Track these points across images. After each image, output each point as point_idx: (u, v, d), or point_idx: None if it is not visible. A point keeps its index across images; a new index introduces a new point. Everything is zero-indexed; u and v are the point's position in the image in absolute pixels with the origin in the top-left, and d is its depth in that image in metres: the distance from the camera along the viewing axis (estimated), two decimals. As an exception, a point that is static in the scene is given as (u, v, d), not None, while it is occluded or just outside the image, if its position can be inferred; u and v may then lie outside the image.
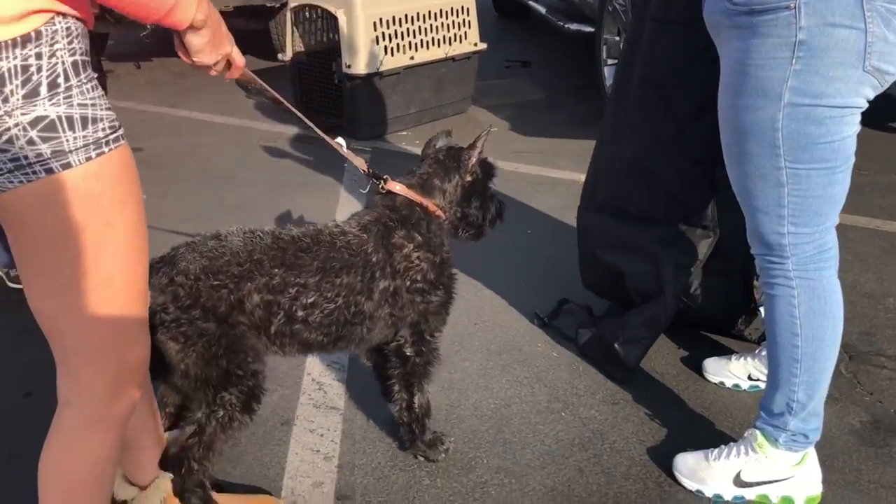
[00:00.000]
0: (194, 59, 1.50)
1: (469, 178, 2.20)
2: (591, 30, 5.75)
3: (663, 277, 2.62)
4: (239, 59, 1.60)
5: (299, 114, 2.15)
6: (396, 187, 2.12)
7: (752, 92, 1.90)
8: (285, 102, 2.16)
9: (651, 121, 2.64)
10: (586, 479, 2.27)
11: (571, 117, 5.64)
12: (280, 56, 5.59)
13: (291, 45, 5.34)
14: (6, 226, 1.41)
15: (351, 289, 1.99)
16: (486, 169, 2.28)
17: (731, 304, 2.77)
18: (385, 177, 2.14)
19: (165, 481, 1.92)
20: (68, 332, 1.46)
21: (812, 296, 2.01)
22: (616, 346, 2.64)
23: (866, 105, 1.90)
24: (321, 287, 1.95)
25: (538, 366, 2.79)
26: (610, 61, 5.41)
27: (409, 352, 2.16)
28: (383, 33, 4.98)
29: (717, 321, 2.84)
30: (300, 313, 1.94)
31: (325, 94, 5.26)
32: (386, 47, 5.00)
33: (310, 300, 1.94)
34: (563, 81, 6.43)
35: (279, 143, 5.18)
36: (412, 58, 5.16)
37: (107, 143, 1.38)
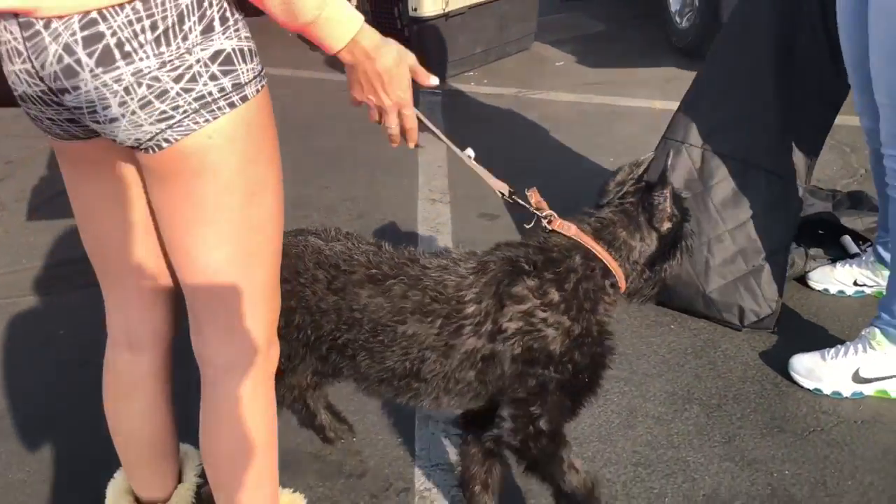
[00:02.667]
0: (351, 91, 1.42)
1: (666, 228, 1.67)
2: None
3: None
4: (409, 120, 1.48)
5: (442, 136, 1.64)
6: (570, 229, 1.64)
7: None
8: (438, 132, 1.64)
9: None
10: (704, 383, 2.36)
11: (636, 47, 5.60)
12: (346, 4, 5.64)
13: (355, -7, 5.38)
14: (178, 177, 1.32)
15: (417, 341, 1.59)
16: (682, 208, 1.71)
17: None
18: (548, 213, 1.66)
19: (185, 489, 1.77)
20: (236, 284, 1.41)
21: None
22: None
23: None
24: (376, 329, 1.61)
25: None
26: (673, -13, 5.36)
27: (511, 440, 1.63)
28: (447, -26, 5.00)
29: None
30: (349, 351, 1.65)
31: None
32: (450, -12, 5.02)
33: (361, 339, 1.62)
34: (624, 11, 6.37)
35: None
36: (475, -3, 5.17)
37: (264, 76, 1.38)
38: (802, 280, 2.77)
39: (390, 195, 3.70)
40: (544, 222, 1.64)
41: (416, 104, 1.50)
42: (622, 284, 1.66)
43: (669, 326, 2.63)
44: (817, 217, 2.86)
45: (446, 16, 5.02)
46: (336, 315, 1.63)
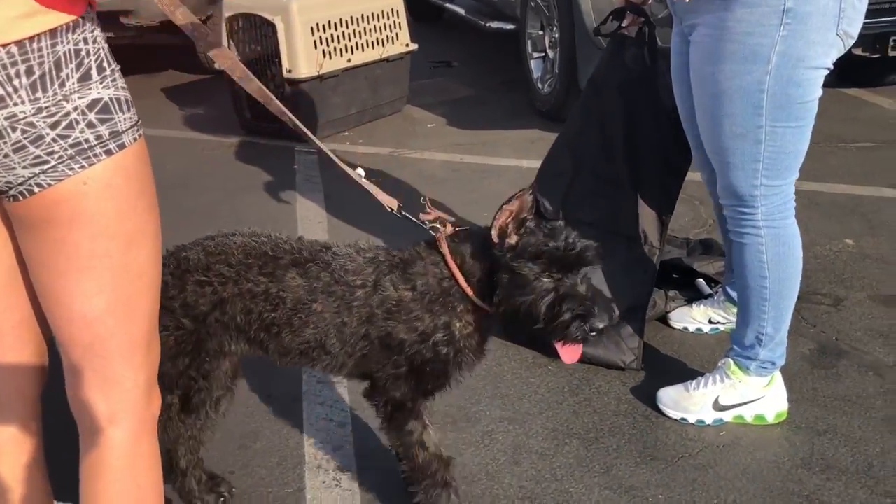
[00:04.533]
0: None
1: (495, 242, 1.80)
2: (513, 27, 6.05)
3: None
4: None
5: (332, 155, 1.96)
6: (441, 241, 1.87)
7: (740, 58, 2.10)
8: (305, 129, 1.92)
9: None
10: (581, 419, 2.50)
11: (501, 110, 5.89)
12: (216, 66, 5.65)
13: (227, 54, 5.41)
14: (50, 225, 1.32)
15: (323, 317, 1.85)
16: (540, 250, 1.77)
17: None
18: (433, 226, 1.90)
19: None
20: (115, 331, 1.40)
21: (778, 242, 2.29)
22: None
23: (832, 68, 2.16)
24: (297, 307, 1.85)
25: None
26: (535, 55, 5.71)
27: (374, 404, 1.97)
28: (320, 37, 5.12)
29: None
30: (274, 329, 1.88)
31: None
32: (324, 51, 5.14)
33: (285, 317, 1.86)
34: (489, 78, 6.70)
35: (223, 150, 5.25)
36: (349, 60, 5.32)
37: (140, 126, 1.40)
38: (664, 320, 2.99)
39: (270, 251, 3.70)
40: (431, 232, 1.85)
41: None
42: (472, 298, 1.84)
43: (547, 367, 2.77)
44: (674, 263, 3.11)
45: (321, 78, 5.13)
46: (265, 297, 1.85)
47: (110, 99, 1.30)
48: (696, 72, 2.25)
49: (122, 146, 1.32)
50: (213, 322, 1.88)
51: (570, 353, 1.86)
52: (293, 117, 1.77)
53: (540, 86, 5.65)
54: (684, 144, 2.60)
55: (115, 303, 1.37)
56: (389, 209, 1.86)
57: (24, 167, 1.24)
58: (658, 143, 2.76)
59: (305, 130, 1.86)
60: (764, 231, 2.27)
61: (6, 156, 1.23)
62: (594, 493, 2.19)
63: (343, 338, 1.87)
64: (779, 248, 2.29)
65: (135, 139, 1.35)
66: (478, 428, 2.46)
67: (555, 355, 2.75)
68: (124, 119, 1.33)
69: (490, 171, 4.70)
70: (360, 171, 1.80)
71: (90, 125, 1.28)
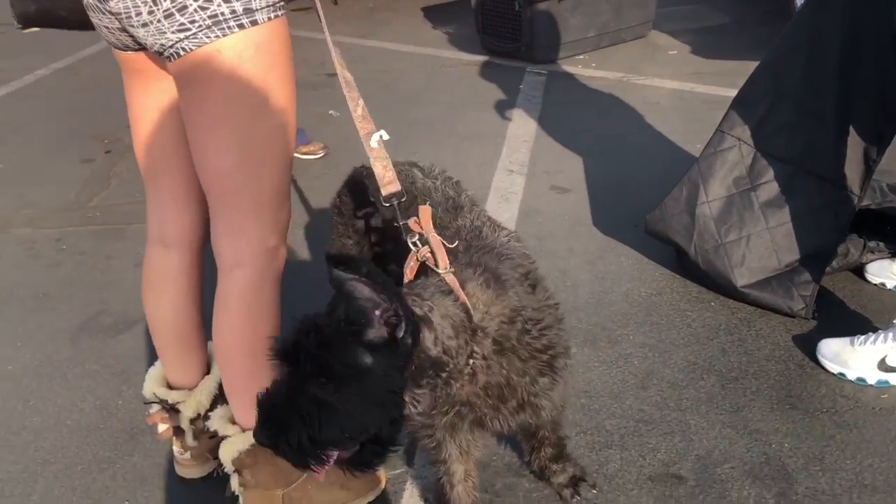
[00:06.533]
0: None
1: None
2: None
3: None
4: None
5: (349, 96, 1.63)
6: (413, 256, 1.51)
7: None
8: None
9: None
10: (728, 357, 2.39)
11: (757, 40, 5.45)
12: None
13: (475, -26, 5.55)
14: (193, 85, 1.51)
15: None
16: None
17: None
18: (414, 240, 1.51)
19: (210, 381, 1.96)
20: (243, 187, 1.57)
21: None
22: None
23: None
24: None
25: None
26: (801, -20, 5.18)
27: None
28: (564, -43, 5.08)
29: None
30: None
31: (505, 20, 5.45)
32: (565, -29, 5.10)
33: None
34: (751, 6, 6.20)
35: (460, 68, 5.46)
36: (591, -19, 5.23)
37: (280, 8, 1.55)
38: (860, 271, 2.71)
39: (471, 163, 3.86)
40: (409, 242, 1.51)
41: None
42: None
43: (709, 303, 2.65)
44: (884, 212, 2.77)
45: (560, -1, 5.11)
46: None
47: None
48: None
49: (254, 22, 1.48)
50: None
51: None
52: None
53: (800, 14, 5.13)
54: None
55: (242, 162, 1.55)
56: (384, 199, 1.56)
57: (173, 32, 1.47)
58: (878, 77, 2.44)
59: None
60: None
61: (159, 21, 1.46)
62: (714, 429, 2.11)
63: None
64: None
65: (269, 18, 1.50)
66: (616, 349, 2.45)
67: (722, 293, 2.65)
68: None
69: (718, 103, 4.40)
70: (384, 134, 1.59)
71: (226, 0, 1.45)
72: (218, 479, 1.99)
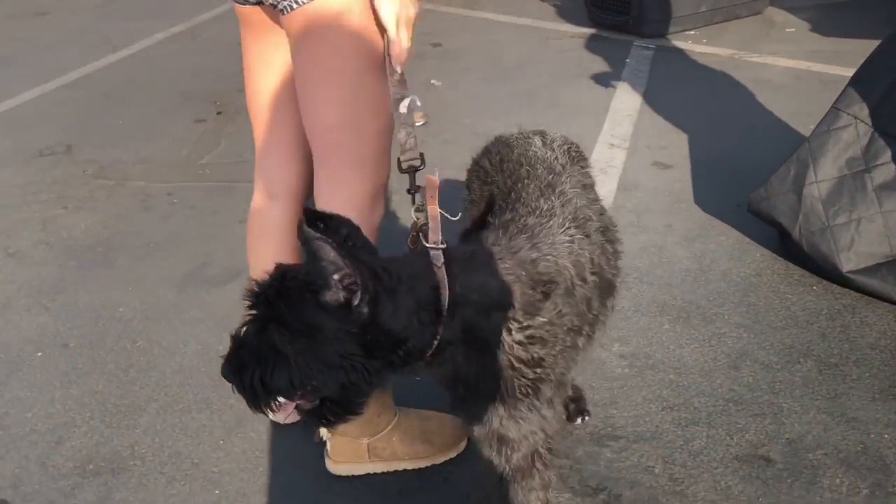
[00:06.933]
0: None
1: None
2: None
3: None
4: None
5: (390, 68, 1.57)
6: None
7: None
8: None
9: None
10: (828, 343, 2.30)
11: (880, 18, 5.15)
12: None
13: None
14: (305, 38, 1.54)
15: None
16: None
17: None
18: (423, 225, 1.45)
19: None
20: (346, 142, 1.61)
21: None
22: None
23: None
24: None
25: (797, 244, 2.79)
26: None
27: None
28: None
29: None
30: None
31: (614, -8, 5.34)
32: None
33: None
34: (880, -19, 5.85)
35: (566, 40, 5.38)
36: (706, -47, 5.05)
37: None
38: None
39: (571, 136, 3.74)
40: (413, 212, 1.48)
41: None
42: None
43: (811, 287, 2.55)
44: None
45: (671, -29, 4.95)
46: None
47: None
48: None
49: None
50: None
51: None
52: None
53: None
54: None
55: (348, 117, 1.59)
56: (399, 165, 1.51)
57: None
58: None
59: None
60: None
61: None
62: (809, 414, 2.04)
63: None
64: None
65: None
66: (709, 328, 2.40)
67: (825, 277, 2.54)
68: None
69: (837, 83, 4.16)
70: (416, 100, 1.52)
71: None
72: (308, 425, 2.07)
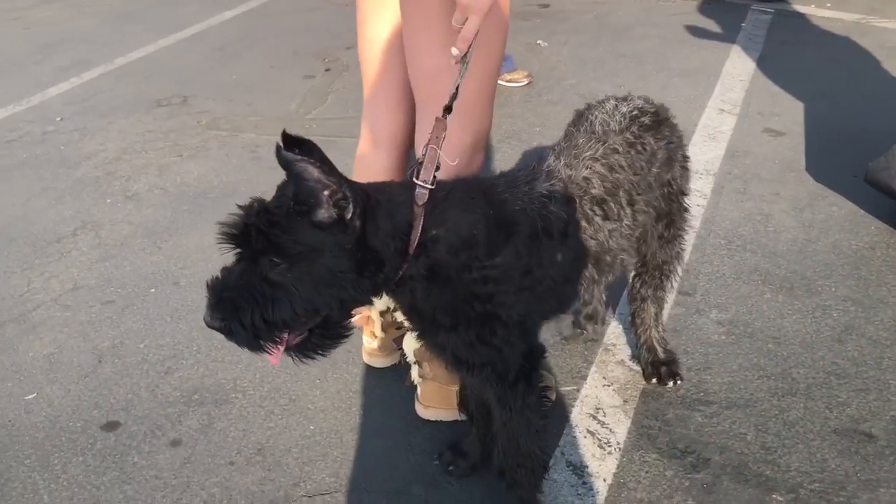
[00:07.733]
0: None
1: None
2: None
3: None
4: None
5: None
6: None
7: None
8: None
9: None
10: (945, 322, 2.19)
11: None
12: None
13: None
14: None
15: None
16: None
17: None
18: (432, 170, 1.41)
19: None
20: (447, 89, 1.51)
21: None
22: None
23: None
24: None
25: (916, 218, 2.65)
26: None
27: None
28: None
29: None
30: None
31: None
32: None
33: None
34: None
35: (678, 3, 5.20)
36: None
37: None
38: None
39: (679, 100, 3.71)
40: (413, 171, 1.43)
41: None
42: None
43: (931, 263, 2.43)
44: None
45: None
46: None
47: None
48: None
49: None
50: None
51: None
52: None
53: None
54: None
55: (447, 62, 1.52)
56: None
57: None
58: None
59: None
60: None
61: None
62: (917, 394, 1.96)
63: None
64: None
65: None
66: (814, 300, 2.31)
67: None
68: None
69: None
70: (454, 50, 1.46)
71: None
72: (400, 369, 2.12)
